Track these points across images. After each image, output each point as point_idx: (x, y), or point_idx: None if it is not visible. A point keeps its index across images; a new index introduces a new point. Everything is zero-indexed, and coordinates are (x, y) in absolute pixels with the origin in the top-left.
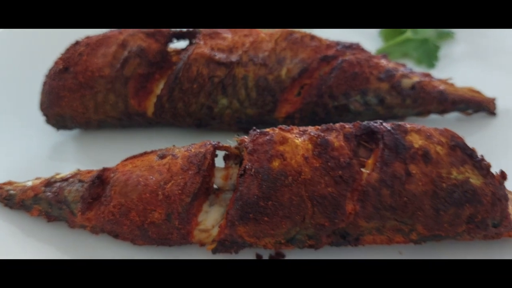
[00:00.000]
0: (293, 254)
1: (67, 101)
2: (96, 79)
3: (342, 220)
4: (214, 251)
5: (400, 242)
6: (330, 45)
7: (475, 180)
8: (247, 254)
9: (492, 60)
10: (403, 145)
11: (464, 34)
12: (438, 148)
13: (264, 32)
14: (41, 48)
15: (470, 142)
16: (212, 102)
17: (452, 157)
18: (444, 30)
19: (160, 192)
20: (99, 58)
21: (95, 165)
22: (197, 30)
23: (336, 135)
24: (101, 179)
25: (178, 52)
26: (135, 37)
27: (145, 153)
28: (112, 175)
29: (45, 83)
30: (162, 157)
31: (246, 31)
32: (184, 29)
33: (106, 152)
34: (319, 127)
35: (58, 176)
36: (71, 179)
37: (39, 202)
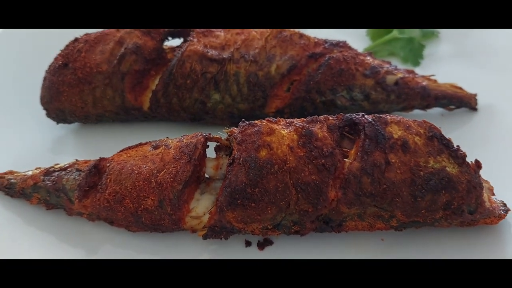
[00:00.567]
0: (280, 242)
1: (67, 95)
2: (94, 74)
3: (324, 206)
4: (205, 237)
5: (381, 228)
6: (318, 43)
7: (451, 168)
8: (236, 241)
9: (474, 58)
10: (383, 136)
11: (448, 33)
12: (416, 138)
13: (255, 31)
14: (41, 45)
15: (453, 135)
16: (205, 97)
17: (429, 147)
18: (429, 30)
19: (153, 180)
20: (97, 55)
21: (93, 157)
22: (191, 28)
23: (320, 127)
24: (97, 168)
25: (173, 49)
26: (132, 35)
27: (140, 144)
28: (108, 164)
29: (45, 79)
30: (156, 147)
31: (238, 29)
32: (179, 28)
33: (104, 145)
34: (305, 119)
35: (56, 166)
36: (69, 169)
37: (38, 191)
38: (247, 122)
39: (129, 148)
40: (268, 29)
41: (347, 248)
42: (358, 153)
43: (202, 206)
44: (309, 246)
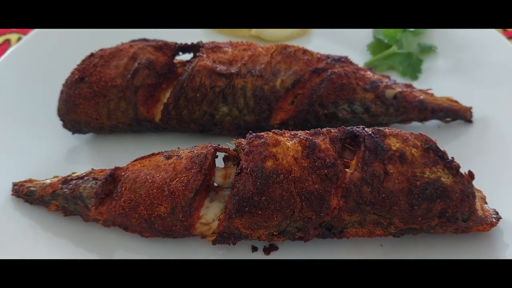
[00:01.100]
0: (285, 247)
1: (83, 108)
2: (109, 88)
3: (327, 213)
4: (214, 242)
5: (380, 235)
6: (321, 58)
7: (446, 179)
8: (243, 247)
9: (469, 73)
10: (382, 148)
11: (445, 49)
12: (413, 150)
13: (261, 47)
14: (58, 60)
15: (449, 146)
16: (213, 110)
17: (426, 158)
18: (426, 45)
19: (165, 188)
20: (111, 69)
21: (107, 166)
22: (200, 43)
23: (323, 139)
24: (113, 177)
25: (183, 64)
26: (145, 51)
27: (153, 154)
28: (123, 173)
29: (62, 92)
30: (168, 157)
31: (245, 45)
32: (189, 43)
33: (117, 154)
34: (308, 132)
35: (74, 175)
36: (86, 177)
37: (57, 198)
38: (254, 134)
39: (143, 158)
40: (273, 45)
41: (348, 254)
42: (359, 164)
43: (211, 213)
44: (312, 251)
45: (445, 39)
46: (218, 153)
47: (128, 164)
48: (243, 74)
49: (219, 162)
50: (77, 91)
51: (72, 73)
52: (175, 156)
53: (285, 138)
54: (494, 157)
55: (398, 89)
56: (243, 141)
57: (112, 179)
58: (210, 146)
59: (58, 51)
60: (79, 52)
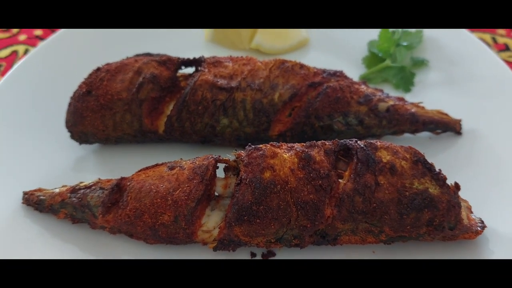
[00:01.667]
0: (282, 254)
1: (90, 120)
2: (115, 101)
3: (321, 222)
4: (215, 249)
5: (372, 242)
6: (317, 72)
7: (433, 189)
8: (243, 253)
9: (460, 86)
10: (373, 160)
11: (437, 62)
12: (403, 162)
13: (260, 61)
14: (65, 73)
15: (439, 157)
16: (215, 122)
17: (414, 170)
18: (419, 59)
19: (169, 198)
20: (117, 83)
21: (112, 175)
22: (202, 58)
23: (317, 151)
24: (119, 186)
25: (186, 77)
26: (149, 65)
27: (157, 165)
28: (128, 183)
29: (70, 104)
30: (171, 168)
31: (244, 60)
32: (191, 58)
33: (122, 164)
34: (304, 144)
35: (82, 184)
36: (93, 187)
37: (66, 207)
38: (253, 146)
39: (147, 168)
40: (271, 60)
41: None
42: (351, 175)
43: (212, 221)
44: (307, 257)
45: (437, 53)
46: (219, 164)
47: (133, 174)
48: (243, 88)
49: (220, 173)
50: (84, 104)
51: (80, 86)
52: (178, 167)
53: (282, 150)
54: (482, 168)
55: (391, 102)
56: (242, 153)
57: (118, 189)
58: (211, 158)
59: (65, 64)
60: (86, 66)
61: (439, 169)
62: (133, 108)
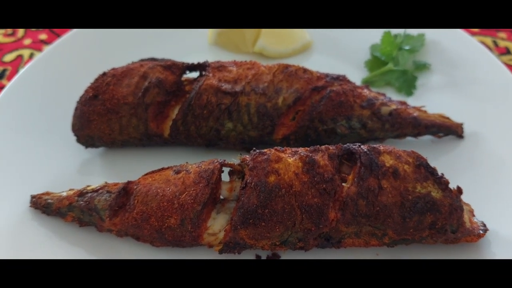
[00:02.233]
0: (287, 256)
1: (96, 124)
2: (121, 105)
3: (325, 225)
4: (221, 251)
5: (375, 245)
6: (320, 77)
7: (435, 193)
8: (248, 255)
9: (461, 89)
10: (376, 164)
11: (439, 66)
12: (406, 166)
13: (264, 66)
14: (71, 78)
15: (441, 160)
16: (219, 126)
17: (417, 174)
18: (421, 63)
19: (175, 202)
20: (123, 88)
21: (118, 178)
22: (206, 63)
23: (321, 155)
24: (125, 190)
25: (191, 81)
26: (154, 70)
27: (163, 169)
28: (135, 187)
29: (77, 108)
30: (177, 172)
31: (248, 64)
32: (196, 62)
33: (128, 167)
34: (308, 149)
35: (89, 188)
36: (100, 190)
37: (73, 210)
38: (258, 151)
39: (153, 172)
40: (275, 64)
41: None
42: (355, 179)
43: (218, 224)
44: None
45: (439, 57)
46: (223, 168)
47: (139, 178)
48: (247, 92)
49: (225, 176)
50: (91, 108)
51: (86, 91)
52: (184, 171)
53: (287, 155)
54: (483, 170)
55: (393, 106)
56: (247, 157)
57: (125, 192)
58: (216, 162)
59: (69, 68)
60: (90, 69)
61: (442, 173)
62: (139, 112)
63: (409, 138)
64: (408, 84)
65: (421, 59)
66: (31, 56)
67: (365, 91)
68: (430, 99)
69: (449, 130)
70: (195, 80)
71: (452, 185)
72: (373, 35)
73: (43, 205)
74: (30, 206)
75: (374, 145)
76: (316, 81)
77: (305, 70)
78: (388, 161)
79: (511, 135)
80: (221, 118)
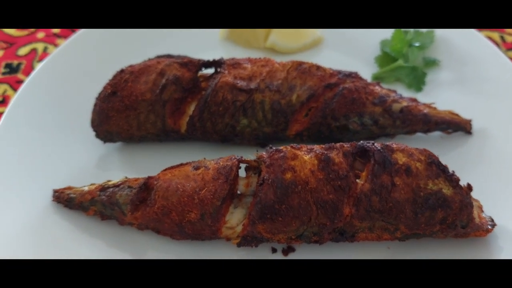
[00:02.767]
0: (302, 249)
1: (115, 120)
2: (139, 102)
3: (340, 220)
4: (239, 244)
5: (387, 239)
6: (333, 74)
7: (446, 190)
8: (264, 248)
9: (470, 86)
10: (389, 162)
11: (448, 62)
12: (418, 164)
13: (277, 63)
14: (90, 75)
15: (450, 156)
16: (235, 122)
17: (429, 172)
18: (431, 59)
19: (195, 197)
20: (141, 85)
21: (136, 172)
22: (221, 60)
23: (336, 153)
24: (146, 185)
25: (207, 78)
26: (171, 67)
27: (182, 165)
28: (155, 182)
29: (96, 105)
30: (197, 168)
31: (263, 61)
32: (211, 59)
33: (145, 162)
34: (323, 146)
35: (110, 183)
36: (121, 185)
37: (95, 204)
38: (274, 148)
39: (172, 167)
40: (289, 62)
41: (358, 255)
42: (369, 176)
43: (235, 218)
44: (326, 253)
45: (448, 54)
46: (240, 164)
47: (159, 173)
48: (261, 89)
49: (241, 171)
50: (109, 104)
51: (105, 87)
52: (203, 167)
53: (302, 152)
54: (491, 166)
55: (404, 103)
56: (264, 154)
57: (145, 187)
58: (234, 159)
59: (84, 65)
60: (105, 66)
61: (453, 171)
62: (156, 109)
63: (419, 134)
64: (417, 80)
65: (430, 55)
66: (45, 49)
67: (377, 88)
68: (439, 95)
69: (458, 127)
70: (210, 76)
71: (460, 180)
72: (384, 31)
73: (66, 199)
74: (53, 200)
75: (387, 143)
76: (329, 78)
77: (318, 67)
78: (401, 158)
79: None
80: (236, 115)
